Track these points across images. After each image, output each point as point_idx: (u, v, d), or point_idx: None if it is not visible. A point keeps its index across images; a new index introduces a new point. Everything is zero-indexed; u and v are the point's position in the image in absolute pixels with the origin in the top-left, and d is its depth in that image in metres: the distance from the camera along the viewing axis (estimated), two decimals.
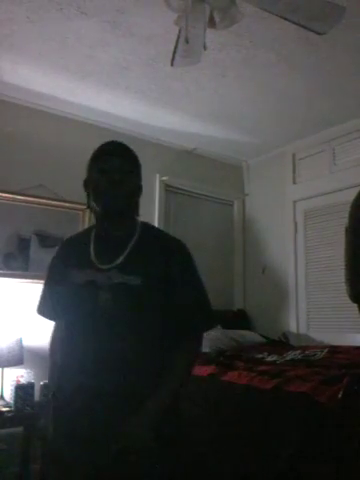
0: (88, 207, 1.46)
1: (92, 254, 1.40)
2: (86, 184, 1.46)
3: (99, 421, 1.27)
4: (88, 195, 1.45)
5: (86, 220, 3.39)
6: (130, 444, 1.22)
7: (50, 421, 1.41)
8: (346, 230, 1.48)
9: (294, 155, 4.10)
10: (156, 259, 1.37)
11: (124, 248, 1.38)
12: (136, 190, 1.45)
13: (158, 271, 1.35)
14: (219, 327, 3.49)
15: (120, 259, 1.36)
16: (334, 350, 2.91)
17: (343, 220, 1.58)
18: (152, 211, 3.85)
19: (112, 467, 1.24)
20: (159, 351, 1.35)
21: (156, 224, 3.77)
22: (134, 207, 1.46)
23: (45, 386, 2.74)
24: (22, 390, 2.73)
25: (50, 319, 1.54)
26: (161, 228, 3.66)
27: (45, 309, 1.53)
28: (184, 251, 1.44)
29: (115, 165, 1.38)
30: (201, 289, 1.42)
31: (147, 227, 1.48)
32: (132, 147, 1.48)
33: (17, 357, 2.77)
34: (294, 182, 4.09)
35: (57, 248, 1.55)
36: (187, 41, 1.93)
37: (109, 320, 1.32)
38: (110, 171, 1.37)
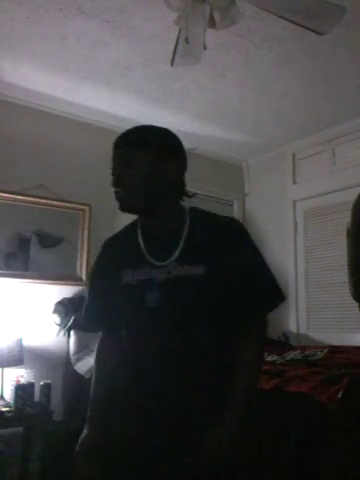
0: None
1: (144, 251, 1.28)
2: None
3: (163, 430, 1.18)
4: None
5: (86, 220, 3.39)
6: (211, 463, 1.13)
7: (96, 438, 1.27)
8: (348, 230, 1.48)
9: (294, 155, 4.10)
10: (214, 244, 1.24)
11: (178, 240, 1.26)
12: (145, 180, 1.25)
13: (219, 257, 1.23)
14: None
15: (177, 251, 1.24)
16: (334, 350, 2.91)
17: (343, 220, 1.58)
18: None
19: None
20: (227, 340, 1.23)
21: None
22: (159, 198, 1.27)
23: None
24: (22, 390, 2.73)
25: (103, 331, 1.40)
26: None
27: (93, 323, 1.40)
28: (241, 230, 1.31)
29: (117, 158, 1.26)
30: (264, 266, 1.28)
31: (196, 212, 1.35)
32: (161, 136, 1.33)
33: (17, 357, 2.77)
34: (294, 182, 4.09)
35: (98, 252, 1.42)
36: (187, 41, 1.93)
37: (168, 318, 1.21)
38: (114, 166, 1.27)
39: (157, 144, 1.27)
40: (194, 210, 1.35)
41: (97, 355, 1.39)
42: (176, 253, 1.25)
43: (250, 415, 1.21)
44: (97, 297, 1.37)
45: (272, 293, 1.27)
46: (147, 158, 1.25)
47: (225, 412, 1.15)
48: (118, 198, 1.26)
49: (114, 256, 1.35)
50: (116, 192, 1.26)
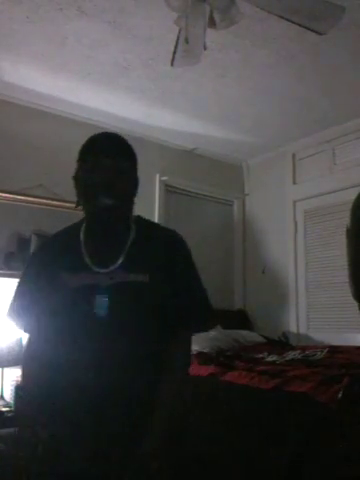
0: (77, 205, 1.34)
1: (85, 256, 1.27)
2: (75, 180, 1.37)
3: (107, 436, 1.18)
4: (77, 192, 1.35)
5: None
6: (147, 462, 1.13)
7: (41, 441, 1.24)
8: (347, 230, 1.48)
9: (294, 155, 4.10)
10: (158, 255, 1.28)
11: (122, 246, 1.28)
12: (130, 188, 1.32)
13: (161, 267, 1.26)
14: (219, 327, 3.49)
15: (121, 258, 1.25)
16: (334, 350, 2.91)
17: (343, 220, 1.58)
18: (152, 211, 3.85)
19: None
20: (157, 350, 1.25)
21: None
22: (129, 206, 1.33)
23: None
24: (22, 390, 2.73)
25: (24, 329, 1.37)
26: None
27: (19, 317, 1.37)
28: (184, 245, 1.36)
29: (105, 165, 1.25)
30: (201, 286, 1.34)
31: (142, 221, 1.38)
32: (132, 147, 1.36)
33: (17, 357, 2.76)
34: (294, 182, 4.09)
35: (35, 249, 1.43)
36: (187, 41, 1.93)
37: (111, 326, 1.21)
38: (99, 172, 1.25)
39: (133, 153, 1.34)
40: (139, 218, 1.39)
41: (28, 357, 1.34)
42: (121, 259, 1.26)
43: (175, 430, 1.23)
44: (30, 293, 1.34)
45: (207, 317, 1.34)
46: (130, 166, 1.32)
47: (150, 430, 1.16)
48: (105, 203, 1.24)
49: (51, 257, 1.33)
50: (104, 198, 1.24)
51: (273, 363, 2.66)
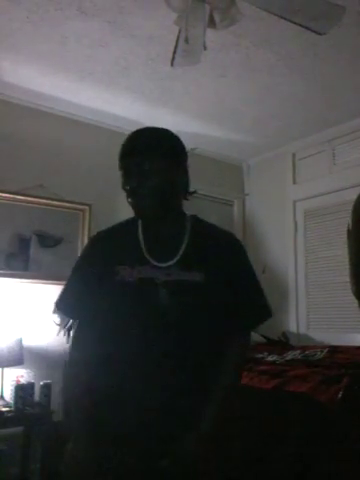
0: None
1: (144, 250, 1.28)
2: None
3: (156, 426, 1.19)
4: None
5: (86, 220, 3.39)
6: (181, 461, 1.16)
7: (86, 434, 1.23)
8: (348, 230, 1.48)
9: (294, 155, 4.10)
10: (214, 254, 1.29)
11: (179, 244, 1.29)
12: (166, 186, 1.27)
13: (218, 267, 1.27)
14: None
15: (178, 255, 1.27)
16: (334, 350, 2.91)
17: (343, 220, 1.58)
18: None
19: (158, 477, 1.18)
20: (214, 349, 1.27)
21: None
22: (172, 203, 1.32)
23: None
24: (22, 390, 2.73)
25: (75, 318, 1.37)
26: None
27: (70, 307, 1.36)
28: (239, 245, 1.36)
29: (134, 169, 1.24)
30: (259, 286, 1.35)
31: (197, 221, 1.38)
32: (171, 139, 1.32)
33: (17, 357, 2.77)
34: (294, 182, 4.09)
35: (90, 241, 1.41)
36: (187, 41, 1.93)
37: (169, 319, 1.22)
38: (130, 176, 1.25)
39: (170, 149, 1.30)
40: (195, 218, 1.39)
41: (75, 347, 1.33)
42: (177, 257, 1.27)
43: (227, 420, 1.27)
44: (82, 284, 1.34)
45: (262, 310, 1.35)
46: (165, 165, 1.27)
47: (201, 418, 1.19)
48: (139, 205, 1.26)
49: (108, 251, 1.33)
50: (134, 199, 1.26)
51: (273, 363, 2.66)
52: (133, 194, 1.25)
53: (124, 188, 1.28)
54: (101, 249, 1.35)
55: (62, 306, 1.37)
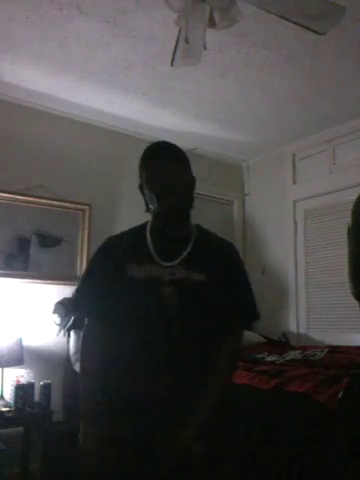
0: (147, 210, 1.46)
1: (152, 250, 1.39)
2: (141, 189, 1.46)
3: (159, 427, 1.27)
4: (144, 197, 1.46)
5: (86, 220, 3.39)
6: (179, 459, 1.23)
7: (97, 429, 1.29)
8: (348, 230, 1.48)
9: (294, 155, 4.10)
10: (215, 258, 1.41)
11: (184, 246, 1.40)
12: (190, 186, 1.45)
13: (218, 270, 1.38)
14: None
15: (183, 255, 1.38)
16: (334, 350, 2.91)
17: (343, 220, 1.58)
18: None
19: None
20: (210, 349, 1.36)
21: None
22: (190, 202, 1.45)
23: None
24: (22, 390, 2.73)
25: (91, 318, 1.43)
26: None
27: (86, 307, 1.44)
28: (237, 254, 1.50)
29: (165, 167, 1.38)
30: (251, 290, 1.47)
31: (201, 229, 1.50)
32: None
33: (17, 357, 2.77)
34: (294, 182, 4.09)
35: (101, 245, 1.49)
36: (187, 41, 1.93)
37: (175, 317, 1.32)
38: (163, 174, 1.37)
39: (186, 156, 1.47)
40: (198, 227, 1.51)
41: (87, 343, 1.40)
42: (182, 257, 1.38)
43: (219, 418, 1.34)
44: (94, 283, 1.42)
45: (253, 312, 1.47)
46: (186, 166, 1.45)
47: (193, 417, 1.28)
48: (169, 203, 1.38)
49: (118, 252, 1.42)
50: (169, 196, 1.37)
51: (273, 363, 2.66)
52: (168, 188, 1.37)
53: (154, 187, 1.39)
54: (112, 252, 1.44)
55: (78, 308, 1.50)
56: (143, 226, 1.48)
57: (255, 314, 1.48)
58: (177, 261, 1.36)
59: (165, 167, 1.38)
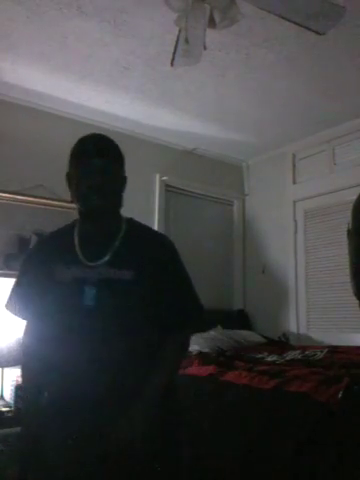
0: (72, 201, 1.42)
1: (78, 251, 1.36)
2: (68, 179, 1.42)
3: (90, 423, 1.23)
4: (71, 190, 1.41)
5: None
6: (115, 446, 1.19)
7: (33, 425, 1.33)
8: (348, 231, 1.48)
9: (294, 155, 4.10)
10: (145, 254, 1.35)
11: (111, 244, 1.35)
12: (119, 187, 1.40)
13: (148, 266, 1.32)
14: (219, 327, 3.49)
15: (108, 254, 1.33)
16: (334, 350, 2.91)
17: (343, 220, 1.58)
18: (152, 211, 3.85)
19: (100, 470, 1.20)
20: (148, 348, 1.31)
21: (156, 224, 3.78)
22: (118, 204, 1.41)
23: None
24: (22, 390, 2.73)
25: (22, 317, 1.47)
26: (161, 228, 3.70)
27: (17, 306, 1.45)
28: (172, 247, 1.42)
29: (96, 167, 1.33)
30: (190, 286, 1.40)
31: (132, 223, 1.45)
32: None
33: (17, 357, 2.76)
34: (294, 182, 4.09)
35: (32, 246, 1.51)
36: (187, 41, 1.93)
37: (99, 318, 1.28)
38: (91, 174, 1.33)
39: (121, 153, 1.41)
40: (131, 220, 1.45)
41: (26, 345, 1.42)
42: (107, 256, 1.33)
43: (167, 406, 1.29)
44: (28, 285, 1.42)
45: (192, 310, 1.39)
46: (120, 168, 1.40)
47: (134, 403, 1.23)
48: (97, 204, 1.33)
49: (48, 253, 1.41)
50: (96, 197, 1.32)
51: (273, 363, 2.66)
52: (97, 191, 1.32)
53: (79, 186, 1.34)
54: (42, 253, 1.45)
55: (10, 307, 1.47)
56: (72, 225, 1.45)
57: (194, 313, 1.40)
58: (102, 260, 1.32)
59: (96, 166, 1.33)
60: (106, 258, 1.33)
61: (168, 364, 1.34)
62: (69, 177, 1.42)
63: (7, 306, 1.47)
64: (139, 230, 1.44)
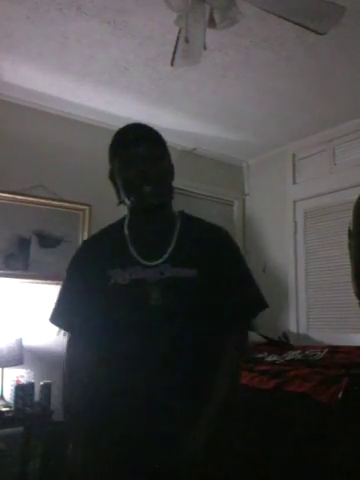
0: (120, 202, 1.30)
1: (132, 250, 1.27)
2: (112, 177, 1.32)
3: (155, 425, 1.17)
4: (116, 188, 1.31)
5: (86, 220, 3.39)
6: (179, 461, 1.13)
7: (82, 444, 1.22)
8: (349, 231, 1.48)
9: (294, 155, 4.10)
10: (205, 250, 1.27)
11: (169, 240, 1.27)
12: (168, 173, 1.31)
13: (210, 262, 1.25)
14: None
15: (169, 252, 1.25)
16: (334, 350, 2.91)
17: (343, 220, 1.58)
18: None
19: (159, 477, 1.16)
20: (212, 347, 1.25)
21: None
22: (169, 192, 1.31)
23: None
24: (22, 390, 2.73)
25: (69, 330, 1.34)
26: None
27: (64, 318, 1.33)
28: (231, 240, 1.37)
29: (139, 154, 1.24)
30: (253, 280, 1.34)
31: (185, 216, 1.36)
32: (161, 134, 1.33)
33: (17, 357, 2.77)
34: (294, 182, 4.09)
35: (78, 247, 1.39)
36: (187, 41, 1.93)
37: (165, 319, 1.21)
38: (134, 162, 1.23)
39: (161, 139, 1.32)
40: (183, 214, 1.37)
41: (71, 359, 1.30)
42: (167, 254, 1.25)
43: (230, 419, 1.23)
44: (74, 295, 1.32)
45: (257, 301, 1.34)
46: (163, 152, 1.30)
47: (202, 418, 1.16)
48: (146, 194, 1.24)
49: (98, 256, 1.32)
50: (146, 187, 1.23)
51: (273, 363, 2.66)
52: (144, 177, 1.23)
53: (125, 177, 1.25)
54: (90, 256, 1.34)
55: (58, 320, 1.35)
56: (121, 222, 1.36)
57: (259, 303, 1.34)
58: (162, 259, 1.24)
59: (138, 153, 1.24)
60: (166, 256, 1.25)
61: (230, 376, 1.25)
62: (112, 175, 1.32)
63: (53, 319, 1.35)
64: (194, 224, 1.35)
